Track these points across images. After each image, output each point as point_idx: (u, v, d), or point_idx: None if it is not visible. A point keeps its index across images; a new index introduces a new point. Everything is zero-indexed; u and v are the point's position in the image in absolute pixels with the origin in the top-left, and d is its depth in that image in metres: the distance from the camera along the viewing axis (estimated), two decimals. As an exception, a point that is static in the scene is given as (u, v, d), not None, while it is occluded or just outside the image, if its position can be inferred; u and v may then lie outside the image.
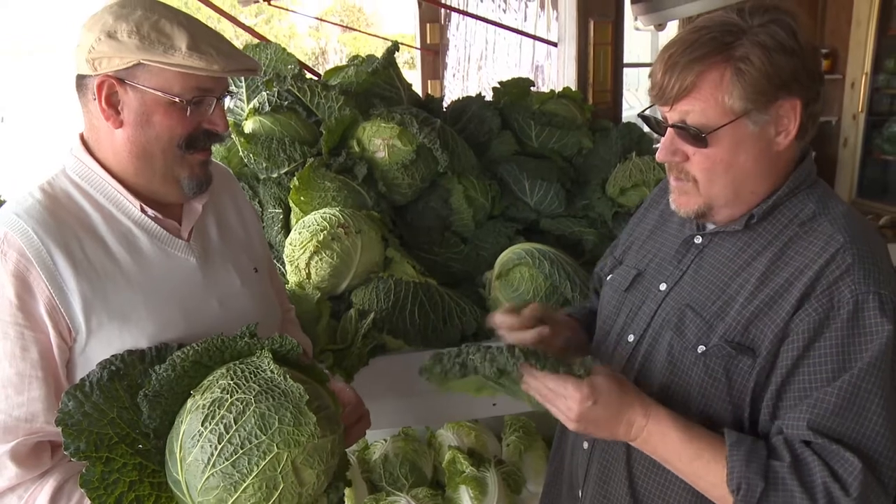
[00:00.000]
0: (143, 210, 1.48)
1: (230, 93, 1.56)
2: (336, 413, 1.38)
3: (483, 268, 2.67)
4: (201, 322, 1.51)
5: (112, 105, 1.40)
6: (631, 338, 1.50)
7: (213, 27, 1.47)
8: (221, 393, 1.27)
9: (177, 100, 1.39)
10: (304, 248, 2.34)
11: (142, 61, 1.36)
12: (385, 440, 3.08)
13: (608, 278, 1.66)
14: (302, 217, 2.50)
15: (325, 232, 2.33)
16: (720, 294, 1.36)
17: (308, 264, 2.34)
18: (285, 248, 2.43)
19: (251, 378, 1.29)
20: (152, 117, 1.41)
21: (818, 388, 1.22)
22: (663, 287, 1.48)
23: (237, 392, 1.26)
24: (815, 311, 1.23)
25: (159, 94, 1.39)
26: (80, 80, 1.42)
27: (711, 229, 1.43)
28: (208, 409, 1.25)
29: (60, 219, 1.41)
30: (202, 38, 1.39)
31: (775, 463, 1.21)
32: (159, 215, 1.50)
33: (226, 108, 1.57)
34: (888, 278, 1.25)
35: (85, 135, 1.49)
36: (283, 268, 2.48)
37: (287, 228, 2.62)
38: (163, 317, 1.46)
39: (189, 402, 1.30)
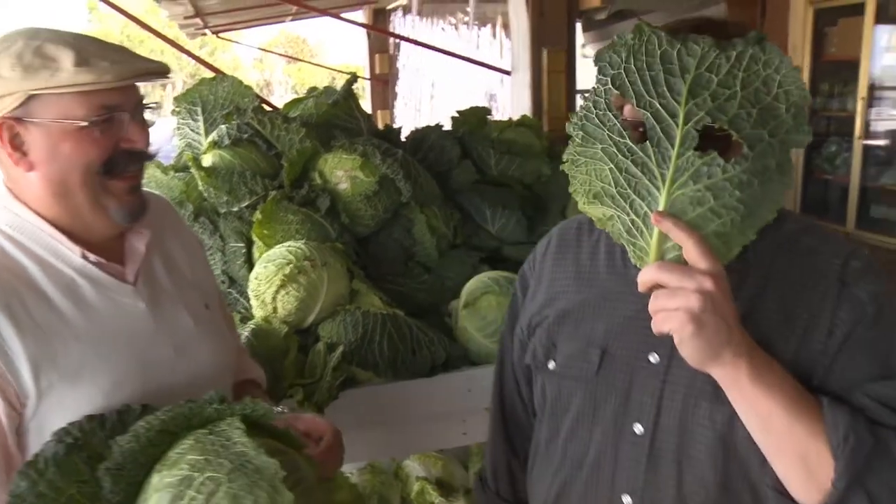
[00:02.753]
0: (84, 256, 1.38)
1: (149, 106, 1.43)
2: (313, 483, 1.28)
3: (448, 297, 2.67)
4: (158, 370, 1.42)
5: (17, 148, 1.30)
6: (639, 428, 1.27)
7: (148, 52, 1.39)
8: (190, 470, 1.16)
9: (82, 124, 1.29)
10: (270, 282, 2.32)
11: (31, 93, 1.26)
12: (352, 473, 3.05)
13: (550, 367, 1.40)
14: (265, 251, 2.47)
15: (290, 265, 2.31)
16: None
17: (275, 298, 2.32)
18: (250, 283, 2.40)
19: (222, 452, 1.18)
20: (61, 149, 1.30)
21: (873, 383, 1.15)
22: (654, 358, 1.27)
23: (207, 469, 1.15)
24: (847, 321, 1.17)
25: (62, 122, 1.28)
26: None
27: None
28: (177, 488, 1.15)
29: None
30: (91, 52, 1.30)
31: (882, 428, 1.10)
32: (102, 260, 1.40)
33: (152, 123, 1.44)
34: (885, 274, 1.24)
35: (6, 184, 1.38)
36: (248, 302, 2.45)
37: (250, 262, 2.60)
38: (117, 370, 1.36)
39: (155, 478, 1.19)
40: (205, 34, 8.04)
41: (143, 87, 1.43)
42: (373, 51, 8.68)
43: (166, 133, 3.29)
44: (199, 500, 1.13)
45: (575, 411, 1.35)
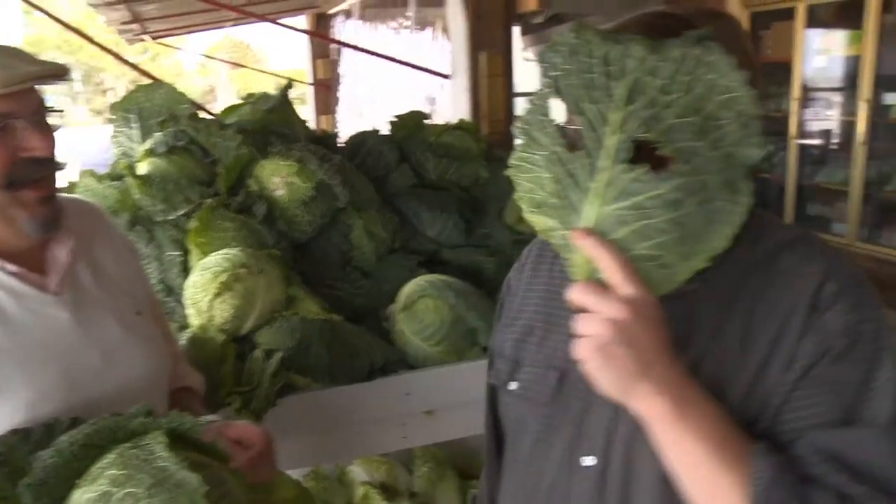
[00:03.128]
0: (1, 268, 1.36)
1: (50, 111, 1.38)
2: (241, 497, 1.25)
3: (386, 301, 2.68)
4: (85, 383, 1.40)
5: None
6: (589, 461, 1.15)
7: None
8: (110, 485, 1.13)
9: None
10: (205, 290, 2.31)
11: None
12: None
13: (511, 388, 1.28)
14: (202, 259, 2.46)
15: (226, 273, 2.30)
16: (699, 373, 1.06)
17: (211, 306, 2.31)
18: (186, 291, 2.39)
19: (143, 467, 1.15)
20: None
21: (826, 430, 1.01)
22: None
23: (127, 485, 1.12)
24: (810, 353, 1.03)
25: None
26: None
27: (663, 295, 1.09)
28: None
29: None
30: None
31: (814, 489, 0.96)
32: (21, 270, 1.38)
33: (57, 128, 1.40)
34: (875, 300, 1.08)
35: None
36: (186, 311, 2.44)
37: (187, 271, 2.58)
38: (41, 383, 1.34)
39: (76, 494, 1.17)
40: (143, 40, 7.94)
41: (47, 89, 1.38)
42: (315, 56, 8.65)
43: (105, 142, 3.25)
44: None
45: (532, 437, 1.24)
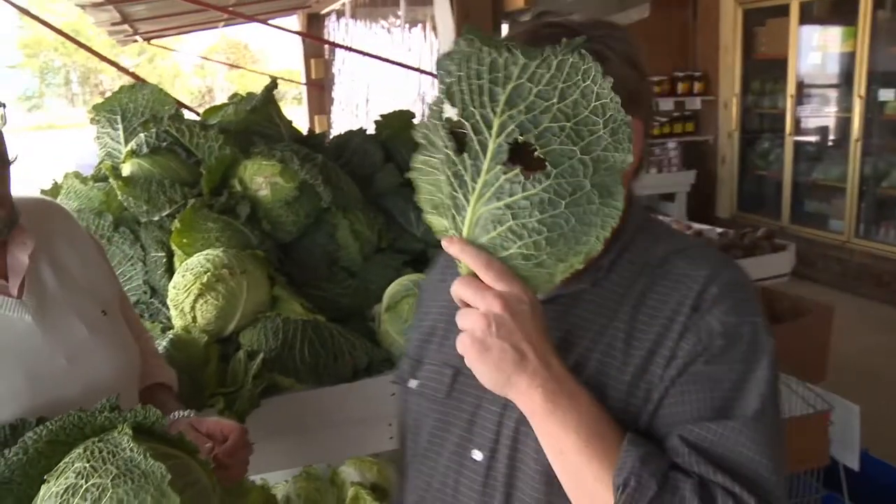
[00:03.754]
0: None
1: None
2: (208, 485, 1.27)
3: (372, 301, 2.66)
4: (49, 384, 1.39)
5: None
6: (478, 456, 1.20)
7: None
8: (76, 478, 1.15)
9: None
10: (188, 291, 2.29)
11: None
12: (286, 481, 3.02)
13: (411, 384, 1.33)
14: (185, 260, 2.45)
15: (208, 274, 2.29)
16: (584, 369, 1.13)
17: (193, 307, 2.30)
18: (169, 292, 2.38)
19: (109, 459, 1.17)
20: None
21: (696, 423, 1.06)
22: None
23: (93, 476, 1.15)
24: (689, 351, 1.09)
25: None
26: None
27: (550, 296, 1.18)
28: (62, 497, 1.14)
29: None
30: None
31: (678, 475, 1.02)
32: None
33: (3, 124, 1.38)
34: (756, 304, 1.15)
35: None
36: (169, 312, 2.42)
37: (171, 272, 2.56)
38: (3, 386, 1.34)
39: (43, 490, 1.18)
40: (136, 41, 7.92)
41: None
42: (308, 56, 8.64)
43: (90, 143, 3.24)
44: None
45: (427, 434, 1.29)
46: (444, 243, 1.05)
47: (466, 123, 1.02)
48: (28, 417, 1.31)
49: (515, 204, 1.00)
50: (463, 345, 1.03)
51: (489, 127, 1.00)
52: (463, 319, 1.03)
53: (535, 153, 0.98)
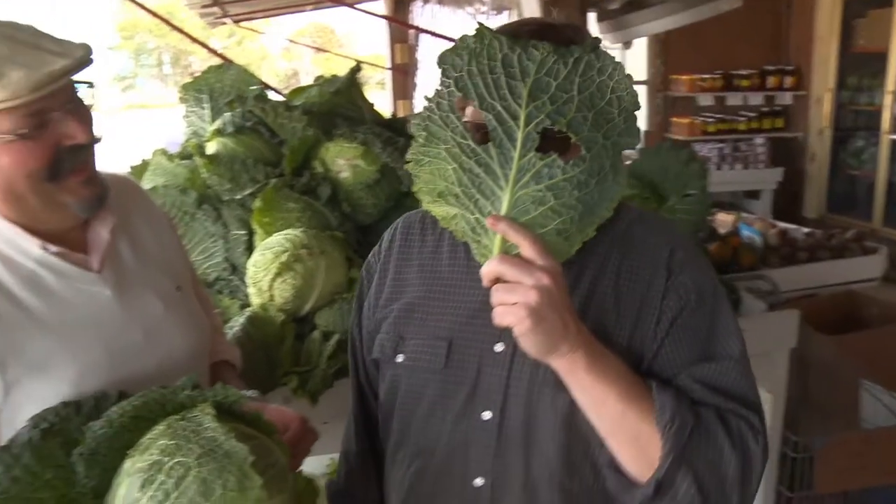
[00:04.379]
0: (44, 248, 1.37)
1: (82, 85, 1.38)
2: (286, 467, 1.29)
3: (448, 287, 2.65)
4: (127, 358, 1.42)
5: None
6: (487, 415, 1.32)
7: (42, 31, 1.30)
8: (160, 455, 1.17)
9: (10, 137, 1.25)
10: (266, 269, 2.32)
11: None
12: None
13: (400, 360, 1.40)
14: (265, 238, 2.48)
15: (287, 253, 2.31)
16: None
17: (271, 286, 2.32)
18: (248, 270, 2.41)
19: (192, 438, 1.19)
20: (1, 163, 1.27)
21: (696, 364, 1.27)
22: (500, 347, 1.32)
23: (177, 454, 1.16)
24: (673, 308, 1.29)
25: None
26: None
27: None
28: (147, 473, 1.16)
29: None
30: (5, 60, 1.24)
31: (700, 407, 1.23)
32: (64, 250, 1.39)
33: (91, 105, 1.39)
34: (707, 262, 1.39)
35: None
36: (247, 289, 2.46)
37: (251, 250, 2.60)
38: (84, 360, 1.36)
39: (127, 463, 1.20)
40: (225, 23, 8.04)
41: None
42: (393, 41, 8.65)
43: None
44: (168, 484, 1.15)
45: (427, 402, 1.38)
46: (489, 222, 1.13)
47: (488, 115, 1.11)
48: (111, 390, 1.33)
49: (556, 185, 1.11)
50: (514, 317, 1.11)
51: (515, 118, 1.11)
52: (511, 295, 1.11)
53: (571, 140, 1.11)
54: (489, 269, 1.14)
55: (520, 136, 1.10)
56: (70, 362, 1.36)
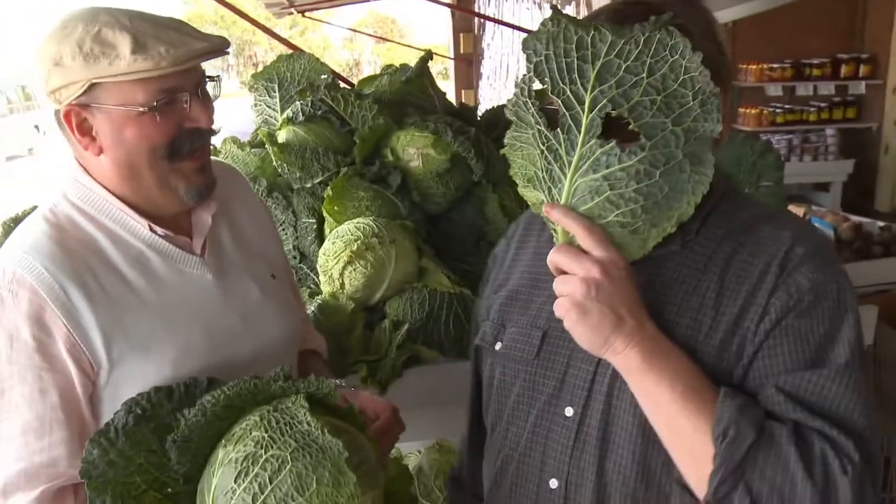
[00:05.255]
0: (151, 229, 1.41)
1: (211, 79, 1.44)
2: (375, 462, 1.29)
3: (518, 277, 2.63)
4: (225, 342, 1.44)
5: (86, 133, 1.34)
6: (569, 411, 1.25)
7: (179, 19, 1.38)
8: (255, 447, 1.18)
9: (141, 109, 1.31)
10: (337, 257, 2.32)
11: (93, 81, 1.28)
12: (419, 451, 3.04)
13: (497, 348, 1.37)
14: (335, 227, 2.48)
15: (358, 242, 2.31)
16: (677, 327, 1.18)
17: (342, 274, 2.33)
18: (319, 258, 2.42)
19: (286, 431, 1.20)
20: (125, 134, 1.33)
21: (791, 373, 1.12)
22: None
23: (272, 447, 1.18)
24: (780, 307, 1.14)
25: (123, 108, 1.30)
26: (56, 115, 1.34)
27: (640, 258, 1.19)
28: (241, 464, 1.17)
29: (69, 249, 1.34)
30: (148, 36, 1.30)
31: (773, 423, 1.08)
32: (169, 233, 1.43)
33: (216, 97, 1.46)
34: (839, 265, 1.21)
35: (77, 158, 1.42)
36: (318, 278, 2.47)
37: (321, 238, 2.61)
38: (184, 341, 1.39)
39: (221, 453, 1.22)
40: (291, 13, 8.11)
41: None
42: (457, 30, 8.64)
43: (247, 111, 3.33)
44: (263, 476, 1.16)
45: (516, 394, 1.34)
46: (545, 209, 1.11)
47: (557, 100, 1.07)
48: (201, 376, 1.35)
49: (612, 175, 1.06)
50: (563, 308, 1.10)
51: (581, 102, 1.06)
52: (561, 285, 1.10)
53: (630, 126, 1.04)
54: (549, 258, 1.13)
55: (584, 121, 1.06)
56: (171, 343, 1.38)
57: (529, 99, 1.12)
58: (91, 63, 1.27)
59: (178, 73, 1.32)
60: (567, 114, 1.07)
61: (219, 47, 1.37)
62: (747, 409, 1.08)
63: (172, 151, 1.37)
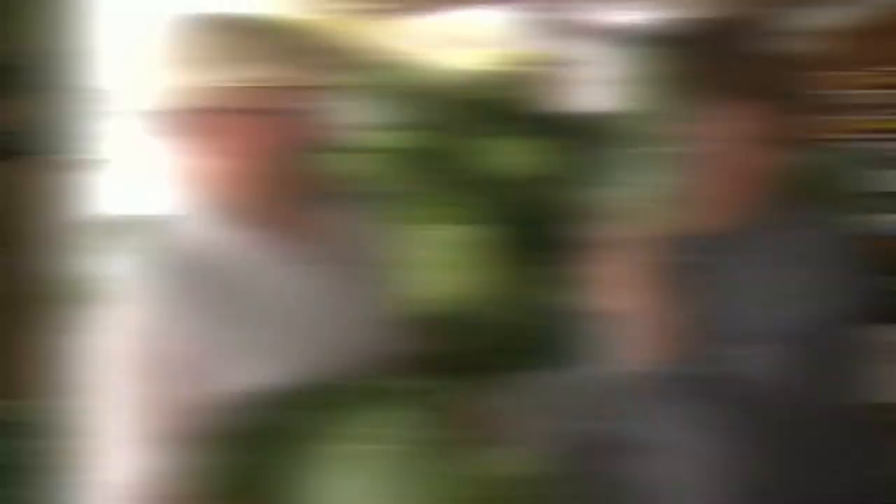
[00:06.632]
0: (257, 233, 1.42)
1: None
2: (476, 461, 1.29)
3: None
4: (327, 346, 1.43)
5: (209, 135, 1.35)
6: None
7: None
8: (360, 444, 1.20)
9: (274, 115, 1.33)
10: (437, 263, 2.35)
11: (223, 84, 1.30)
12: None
13: None
14: (435, 231, 2.49)
15: (453, 248, 2.36)
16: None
17: (437, 280, 2.34)
18: (417, 263, 2.41)
19: (390, 428, 1.22)
20: (251, 139, 1.34)
21: None
22: None
23: (377, 444, 1.20)
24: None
25: (258, 113, 1.32)
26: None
27: None
28: (348, 460, 1.20)
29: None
30: (286, 44, 1.34)
31: None
32: (274, 236, 1.44)
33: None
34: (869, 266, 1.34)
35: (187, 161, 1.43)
36: (414, 282, 2.47)
37: (419, 243, 2.61)
38: (286, 346, 1.40)
39: (325, 449, 1.23)
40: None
41: None
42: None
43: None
44: (369, 473, 1.17)
45: None
46: None
47: None
48: (308, 379, 1.35)
49: None
50: None
51: None
52: None
53: None
54: None
55: None
56: (273, 348, 1.38)
57: None
58: (222, 65, 1.30)
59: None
60: None
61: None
62: None
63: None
